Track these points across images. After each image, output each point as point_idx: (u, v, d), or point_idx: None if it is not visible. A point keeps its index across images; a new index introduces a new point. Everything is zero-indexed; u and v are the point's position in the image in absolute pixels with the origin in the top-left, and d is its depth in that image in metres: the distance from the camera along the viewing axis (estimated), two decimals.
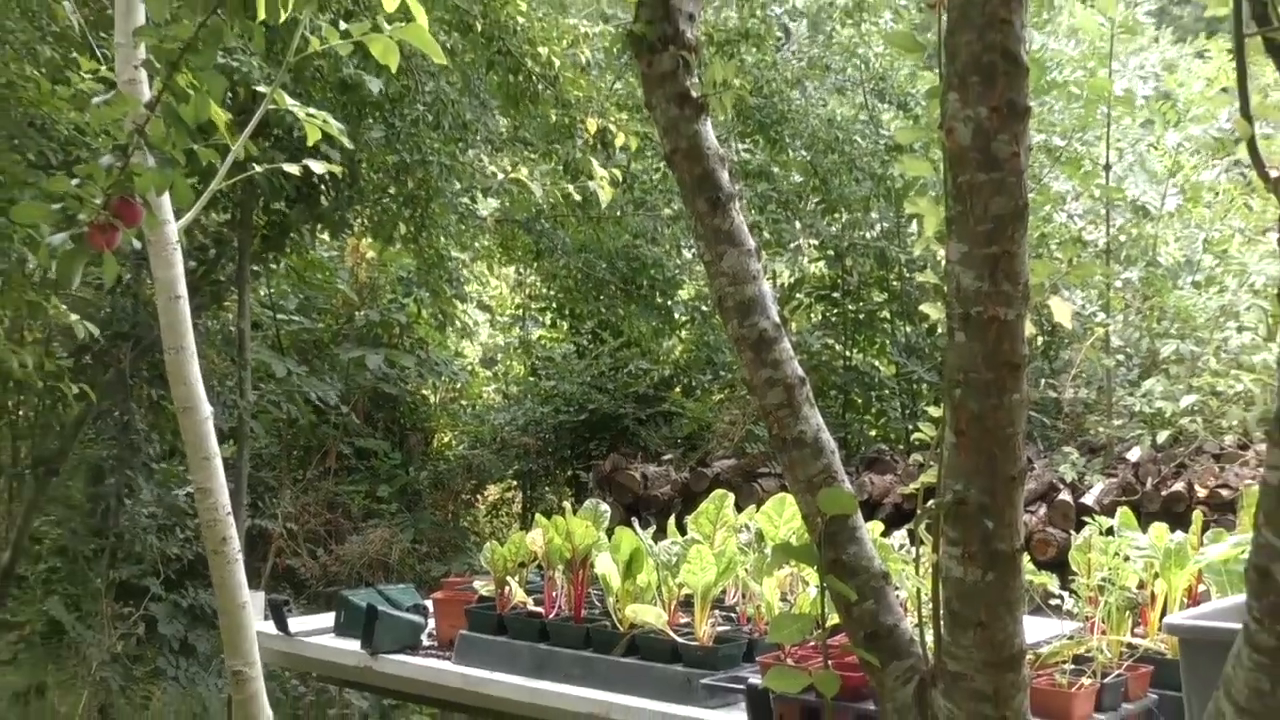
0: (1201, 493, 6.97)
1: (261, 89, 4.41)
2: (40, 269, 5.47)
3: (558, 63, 7.89)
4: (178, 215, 4.35)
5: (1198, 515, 4.12)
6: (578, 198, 8.48)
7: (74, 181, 2.60)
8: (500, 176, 7.97)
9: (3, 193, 4.92)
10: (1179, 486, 7.14)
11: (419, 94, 7.25)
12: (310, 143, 4.25)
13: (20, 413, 8.29)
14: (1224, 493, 6.89)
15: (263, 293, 9.73)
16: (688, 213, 2.36)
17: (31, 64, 5.07)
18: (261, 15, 2.56)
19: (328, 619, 5.05)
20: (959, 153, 1.85)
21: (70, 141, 5.31)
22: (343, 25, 3.88)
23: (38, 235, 5.07)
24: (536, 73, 7.84)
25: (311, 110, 4.19)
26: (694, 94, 2.32)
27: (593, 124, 8.20)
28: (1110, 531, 3.90)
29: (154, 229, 4.13)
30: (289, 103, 4.23)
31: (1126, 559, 3.78)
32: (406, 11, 3.61)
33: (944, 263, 1.92)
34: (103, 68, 5.21)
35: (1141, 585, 3.77)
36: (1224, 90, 9.11)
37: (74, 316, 5.71)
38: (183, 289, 4.38)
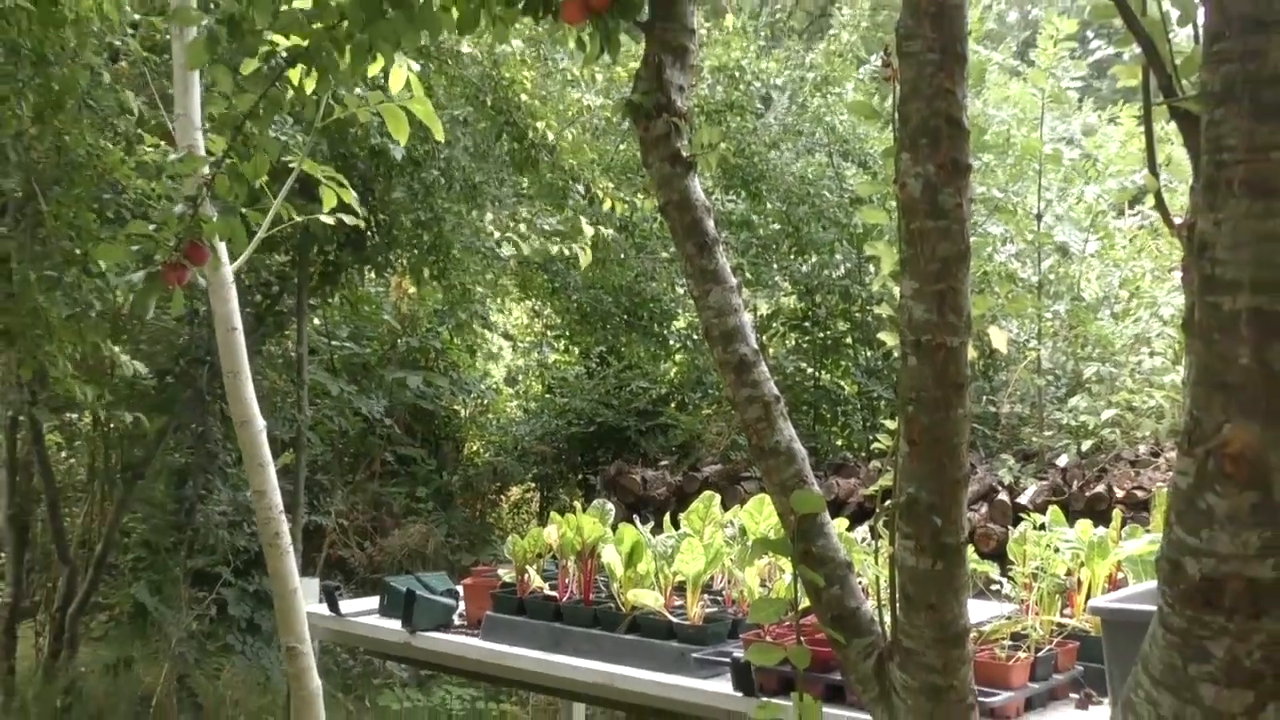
0: (1120, 494, 6.96)
1: (290, 160, 4.42)
2: (107, 311, 5.45)
3: (551, 135, 7.94)
4: (232, 259, 4.35)
5: (1117, 513, 4.11)
6: (568, 251, 8.51)
7: (150, 227, 2.61)
8: (517, 226, 7.99)
9: (79, 244, 4.89)
10: (1100, 489, 7.13)
11: (436, 159, 7.27)
12: (327, 207, 4.24)
13: (111, 425, 8.28)
14: (1139, 494, 6.88)
15: (318, 322, 9.73)
16: (680, 255, 2.36)
17: (108, 137, 5.05)
18: (310, 89, 2.56)
19: (373, 602, 5.03)
20: (910, 204, 1.85)
21: (138, 203, 5.29)
22: (358, 91, 3.88)
23: (104, 284, 5.03)
24: (537, 141, 7.89)
25: (331, 174, 4.18)
26: (684, 154, 2.32)
27: (582, 189, 8.28)
28: (1042, 527, 3.89)
29: (216, 270, 4.13)
30: (314, 168, 4.23)
31: (1056, 550, 3.77)
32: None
33: (898, 297, 1.92)
34: (162, 143, 5.23)
35: (1069, 573, 3.76)
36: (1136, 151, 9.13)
37: (124, 358, 5.65)
38: (238, 321, 4.38)
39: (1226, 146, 1.39)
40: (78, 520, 8.48)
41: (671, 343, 11.15)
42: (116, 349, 5.45)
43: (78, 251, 4.94)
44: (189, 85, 4.32)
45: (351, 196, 4.22)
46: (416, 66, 3.64)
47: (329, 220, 4.41)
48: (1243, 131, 1.37)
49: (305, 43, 2.46)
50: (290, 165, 4.38)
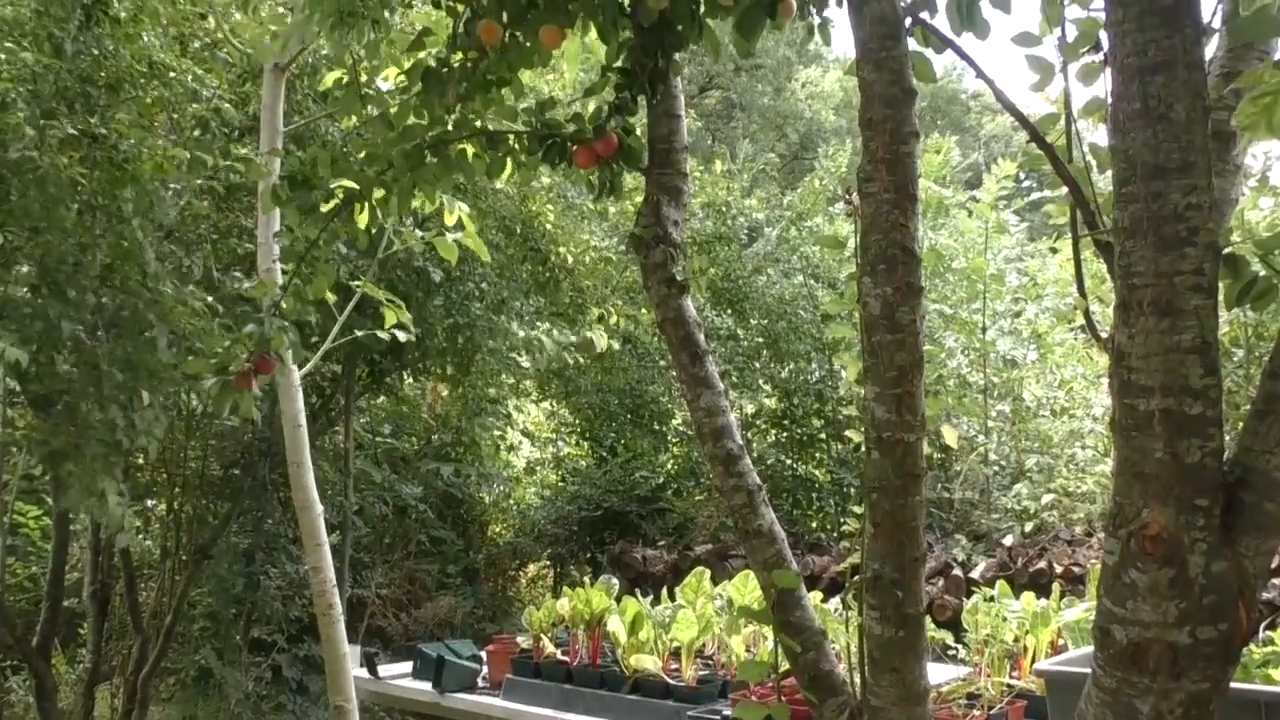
0: (1059, 569, 6.90)
1: (355, 284, 4.48)
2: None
3: (571, 259, 8.04)
4: (300, 366, 4.39)
5: (1056, 586, 4.08)
6: (582, 359, 8.58)
7: (226, 344, 2.66)
8: (522, 335, 8.04)
9: (131, 379, 4.76)
10: (1042, 565, 7.07)
11: (470, 277, 7.36)
12: (388, 324, 4.29)
13: (184, 510, 8.25)
14: (1076, 569, 6.82)
15: (365, 420, 9.73)
16: (675, 364, 2.38)
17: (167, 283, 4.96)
18: (363, 224, 2.62)
19: (407, 666, 4.97)
20: (871, 320, 1.88)
21: (192, 335, 5.19)
22: (419, 232, 3.97)
23: (138, 422, 4.84)
24: (557, 265, 7.99)
25: (391, 297, 4.25)
26: (679, 278, 2.36)
27: (596, 311, 8.36)
28: (992, 599, 3.86)
29: (285, 375, 4.17)
30: (375, 291, 4.29)
31: (1004, 619, 3.73)
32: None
33: (863, 400, 1.94)
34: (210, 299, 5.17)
35: (1016, 639, 3.72)
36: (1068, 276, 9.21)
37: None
38: (303, 420, 4.41)
39: (1136, 273, 1.42)
40: (151, 594, 8.39)
41: (669, 438, 11.15)
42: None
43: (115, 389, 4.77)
44: (269, 219, 4.40)
45: (407, 317, 4.29)
46: (468, 208, 3.73)
47: (384, 335, 4.47)
48: (1149, 260, 1.40)
49: (358, 186, 2.52)
50: (353, 285, 4.44)
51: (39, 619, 7.10)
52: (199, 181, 4.79)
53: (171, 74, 4.66)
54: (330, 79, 2.86)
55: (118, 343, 4.53)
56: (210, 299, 5.13)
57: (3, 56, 4.19)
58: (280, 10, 4.75)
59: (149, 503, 8.46)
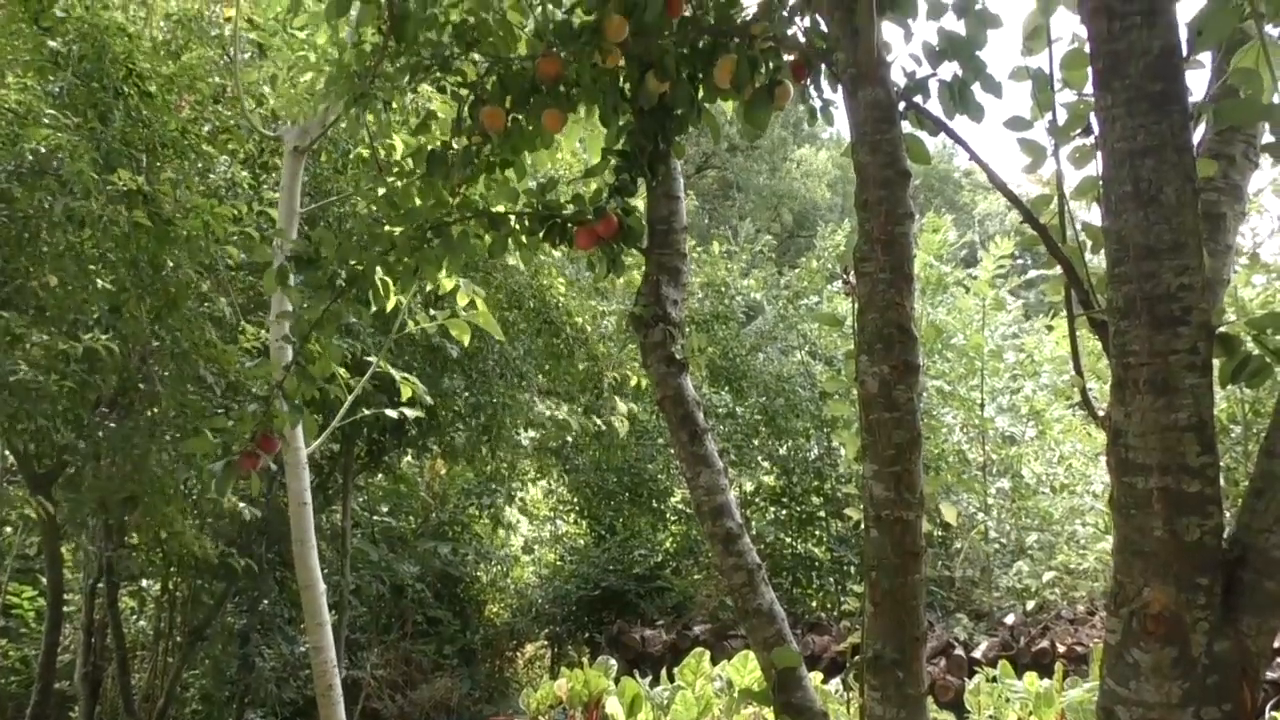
0: (1061, 649, 6.82)
1: (370, 358, 4.54)
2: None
3: (589, 329, 8.07)
4: (307, 443, 4.39)
5: (1059, 666, 4.04)
6: (600, 426, 8.55)
7: (229, 423, 2.65)
8: (546, 413, 8.03)
9: (189, 422, 4.91)
10: (1044, 644, 6.99)
11: (489, 353, 7.38)
12: (404, 398, 4.33)
13: (177, 591, 8.16)
14: (1079, 649, 6.75)
15: (362, 498, 9.69)
16: (674, 442, 2.39)
17: (211, 333, 5.11)
18: (378, 306, 2.64)
19: None
20: (869, 398, 1.89)
21: (233, 387, 5.30)
22: (432, 311, 4.02)
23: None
24: (570, 336, 8.01)
25: (406, 375, 4.29)
26: (678, 356, 2.37)
27: (613, 374, 8.36)
28: (994, 679, 3.82)
29: (290, 455, 4.16)
30: (389, 368, 4.33)
31: (1007, 700, 3.69)
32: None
33: (861, 478, 1.94)
34: (264, 333, 5.31)
35: None
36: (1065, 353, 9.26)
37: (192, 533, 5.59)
38: (308, 497, 4.39)
39: (1131, 352, 1.43)
40: (143, 677, 8.27)
41: (668, 516, 11.10)
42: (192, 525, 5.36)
43: (175, 433, 4.93)
44: (281, 299, 4.43)
45: (422, 389, 4.33)
46: (480, 290, 3.79)
47: (394, 414, 4.50)
48: (1143, 339, 1.42)
49: (361, 266, 2.54)
50: (368, 360, 4.49)
51: (29, 702, 6.99)
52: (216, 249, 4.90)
53: (190, 149, 4.82)
54: (363, 150, 2.93)
55: (169, 387, 4.65)
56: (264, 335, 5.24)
57: (46, 122, 4.33)
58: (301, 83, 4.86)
59: (144, 583, 8.40)
